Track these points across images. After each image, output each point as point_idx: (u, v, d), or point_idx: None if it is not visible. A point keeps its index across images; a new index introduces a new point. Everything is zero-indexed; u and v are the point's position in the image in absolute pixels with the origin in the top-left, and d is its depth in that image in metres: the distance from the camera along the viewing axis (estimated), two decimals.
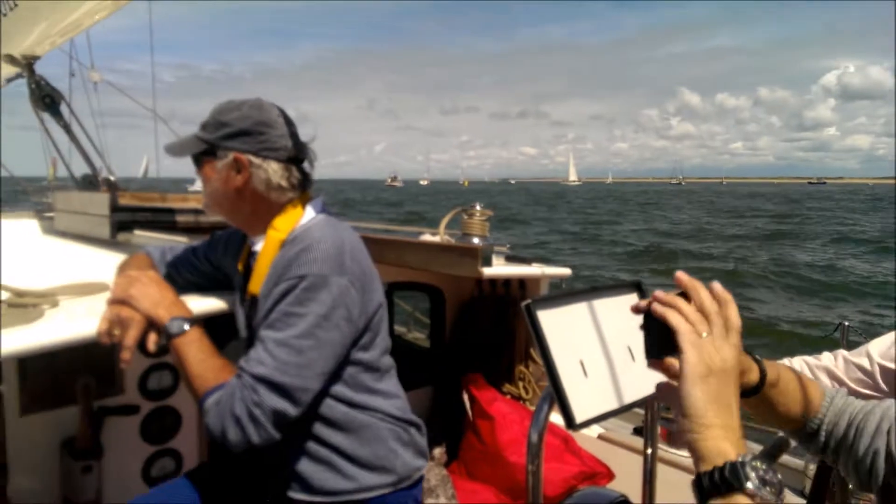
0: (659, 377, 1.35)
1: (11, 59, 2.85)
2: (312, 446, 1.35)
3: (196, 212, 2.69)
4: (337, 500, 1.36)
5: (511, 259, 2.71)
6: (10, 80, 2.99)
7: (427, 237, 2.84)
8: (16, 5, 2.46)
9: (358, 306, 1.29)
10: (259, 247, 1.37)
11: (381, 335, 1.43)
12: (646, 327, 0.90)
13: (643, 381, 1.38)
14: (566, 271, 2.79)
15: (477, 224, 2.62)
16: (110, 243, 2.38)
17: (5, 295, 1.45)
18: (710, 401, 0.73)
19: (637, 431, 2.67)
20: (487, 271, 2.19)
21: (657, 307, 0.81)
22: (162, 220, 2.54)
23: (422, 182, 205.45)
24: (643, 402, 1.37)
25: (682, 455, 2.15)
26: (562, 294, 1.27)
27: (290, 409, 1.20)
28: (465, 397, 2.55)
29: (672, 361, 0.84)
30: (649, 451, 1.51)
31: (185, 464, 2.17)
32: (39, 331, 1.30)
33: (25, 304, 1.41)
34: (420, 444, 1.51)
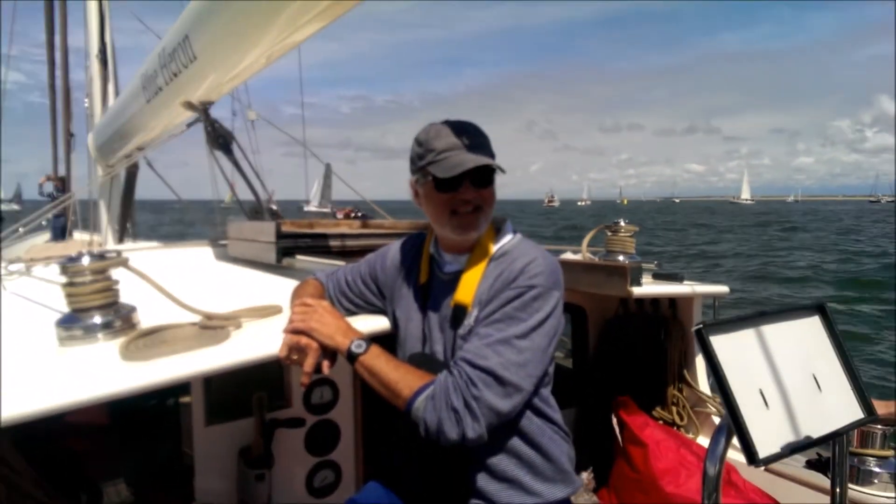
0: (849, 408, 1.21)
1: (190, 106, 3.22)
2: (501, 461, 1.38)
3: (343, 236, 2.86)
4: None
5: (660, 276, 2.59)
6: (189, 125, 3.37)
7: (569, 255, 2.79)
8: (195, 58, 2.77)
9: (560, 319, 1.36)
10: (462, 260, 1.44)
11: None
12: None
13: (831, 413, 1.25)
14: (723, 289, 2.60)
15: (622, 240, 2.53)
16: (276, 268, 2.59)
17: (197, 318, 1.63)
18: None
19: (811, 465, 2.41)
20: (637, 290, 2.10)
21: None
22: (318, 245, 2.72)
23: (580, 202, 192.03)
24: (833, 437, 1.24)
25: (869, 493, 1.91)
26: (736, 318, 1.19)
27: (504, 407, 1.24)
28: (615, 421, 2.45)
29: None
30: (838, 489, 1.37)
31: (344, 476, 2.30)
32: (228, 351, 1.44)
33: (215, 327, 1.57)
34: (575, 460, 1.53)
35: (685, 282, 2.56)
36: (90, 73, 5.98)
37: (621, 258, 2.55)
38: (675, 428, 2.55)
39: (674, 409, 2.60)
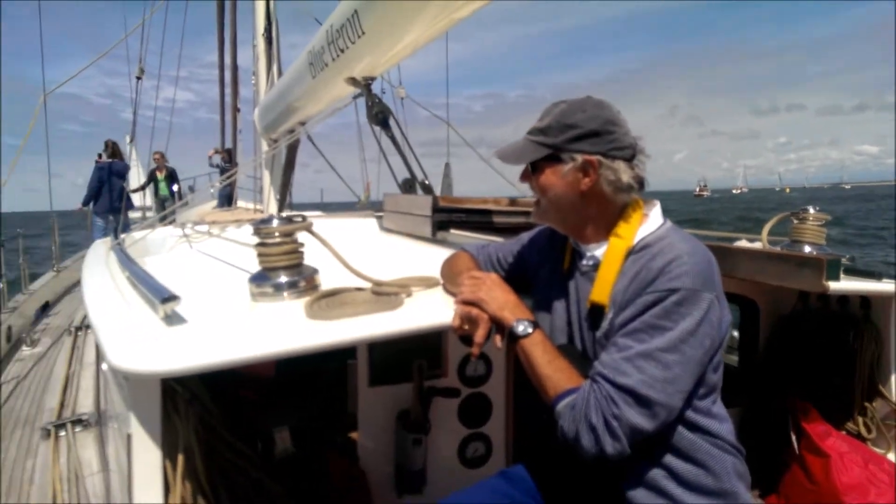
0: None
1: (353, 81, 3.34)
2: (653, 473, 1.27)
3: (498, 213, 2.84)
4: None
5: (853, 272, 2.29)
6: (355, 98, 3.51)
7: (744, 243, 2.56)
8: (363, 33, 2.85)
9: (718, 323, 1.20)
10: (598, 252, 1.34)
11: (720, 354, 1.31)
12: None
13: None
14: None
15: (811, 230, 2.27)
16: (430, 240, 2.62)
17: (368, 284, 1.68)
18: None
19: None
20: (833, 286, 1.86)
21: None
22: (472, 220, 2.72)
23: (735, 191, 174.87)
24: None
25: None
26: None
27: (648, 426, 1.14)
28: (791, 426, 2.23)
29: None
30: None
31: (494, 450, 2.30)
32: (402, 317, 1.46)
33: (388, 293, 1.60)
34: (748, 476, 1.36)
35: (884, 279, 2.25)
36: (256, 51, 6.45)
37: (807, 249, 2.29)
38: (861, 441, 2.27)
39: (860, 419, 2.31)
